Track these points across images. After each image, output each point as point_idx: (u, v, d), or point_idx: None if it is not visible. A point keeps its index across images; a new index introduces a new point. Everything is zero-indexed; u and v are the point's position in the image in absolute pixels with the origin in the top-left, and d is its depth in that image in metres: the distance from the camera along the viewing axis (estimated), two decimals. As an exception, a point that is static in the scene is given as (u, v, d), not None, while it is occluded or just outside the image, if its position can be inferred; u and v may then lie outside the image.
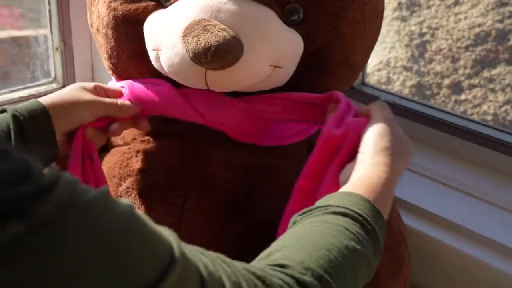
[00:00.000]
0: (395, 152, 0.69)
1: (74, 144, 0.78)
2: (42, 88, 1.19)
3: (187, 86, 0.81)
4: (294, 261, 0.53)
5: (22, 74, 1.22)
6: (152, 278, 0.41)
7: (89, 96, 0.79)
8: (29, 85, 1.19)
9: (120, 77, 0.88)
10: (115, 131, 0.81)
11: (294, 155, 0.88)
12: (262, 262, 0.54)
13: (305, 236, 0.56)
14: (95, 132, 0.80)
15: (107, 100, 0.80)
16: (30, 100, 0.76)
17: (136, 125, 0.84)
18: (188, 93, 0.81)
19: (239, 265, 0.50)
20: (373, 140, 0.68)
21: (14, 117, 0.71)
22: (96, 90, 0.82)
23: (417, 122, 1.12)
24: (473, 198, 1.01)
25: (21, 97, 1.14)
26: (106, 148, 0.91)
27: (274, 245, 0.57)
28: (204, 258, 0.47)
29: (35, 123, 0.73)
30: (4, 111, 0.73)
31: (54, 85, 1.21)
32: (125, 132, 0.89)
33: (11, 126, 0.71)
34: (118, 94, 0.84)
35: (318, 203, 0.62)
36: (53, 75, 1.22)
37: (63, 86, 1.21)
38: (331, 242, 0.55)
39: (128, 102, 0.82)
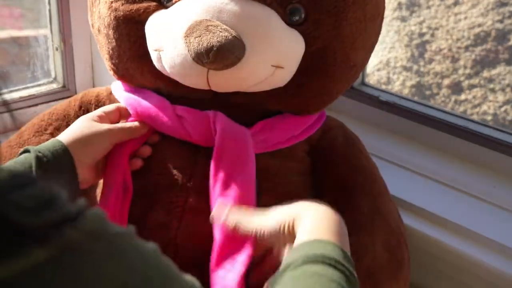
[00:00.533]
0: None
1: (111, 176, 0.80)
2: (42, 88, 1.19)
3: (188, 90, 0.82)
4: None
5: (22, 74, 1.22)
6: None
7: (104, 126, 0.81)
8: (29, 85, 1.19)
9: (121, 78, 0.88)
10: (138, 162, 0.84)
11: (294, 156, 0.88)
12: None
13: None
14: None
15: (119, 126, 0.83)
16: (51, 140, 0.77)
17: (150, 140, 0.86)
18: (184, 117, 0.83)
19: None
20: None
21: (38, 158, 0.73)
22: (101, 118, 0.84)
23: (417, 122, 1.12)
24: (473, 198, 1.01)
25: (21, 97, 1.14)
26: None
27: None
28: None
29: (58, 164, 0.74)
30: (27, 151, 0.74)
31: (54, 85, 1.21)
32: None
33: (34, 168, 0.72)
34: (118, 113, 0.86)
35: (285, 260, 0.61)
36: (53, 75, 1.22)
37: (63, 86, 1.21)
38: None
39: (136, 123, 0.84)
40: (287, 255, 0.63)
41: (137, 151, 0.84)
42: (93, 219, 0.38)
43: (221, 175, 0.78)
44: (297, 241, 0.63)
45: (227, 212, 0.72)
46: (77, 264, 0.36)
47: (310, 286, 0.56)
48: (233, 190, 0.77)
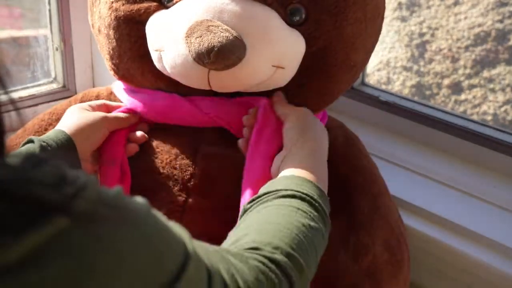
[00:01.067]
0: (314, 131, 0.78)
1: (110, 155, 0.82)
2: (42, 88, 1.19)
3: (188, 91, 0.82)
4: (263, 243, 0.58)
5: (22, 74, 1.22)
6: (174, 269, 0.45)
7: (99, 114, 0.83)
8: (29, 85, 1.19)
9: (121, 78, 0.88)
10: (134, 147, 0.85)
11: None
12: (233, 247, 0.59)
13: (266, 220, 0.62)
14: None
15: (113, 114, 0.85)
16: (53, 130, 0.79)
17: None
18: (193, 99, 0.84)
19: (223, 251, 0.55)
20: (293, 129, 0.77)
21: (42, 147, 0.74)
22: (92, 108, 0.86)
23: (417, 122, 1.12)
24: (473, 198, 1.01)
25: (21, 97, 1.14)
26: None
27: (238, 231, 0.62)
28: (204, 250, 0.52)
29: (62, 154, 0.75)
30: (31, 141, 0.76)
31: (54, 85, 1.21)
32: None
33: None
34: (105, 106, 0.88)
35: (264, 189, 0.69)
36: (53, 75, 1.22)
37: (63, 86, 1.21)
38: (290, 221, 0.62)
39: (126, 114, 0.86)
40: (268, 184, 0.70)
41: (130, 137, 0.85)
42: (93, 187, 0.42)
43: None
44: (285, 172, 0.71)
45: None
46: (95, 228, 0.40)
47: (289, 214, 0.63)
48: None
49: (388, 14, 2.95)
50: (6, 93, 0.42)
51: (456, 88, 2.70)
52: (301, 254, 0.60)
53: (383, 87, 2.71)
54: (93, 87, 1.23)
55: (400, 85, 2.78)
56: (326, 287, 0.80)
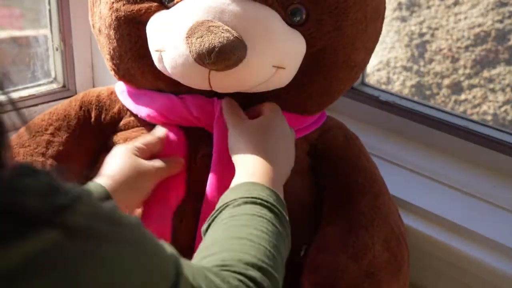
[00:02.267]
0: (264, 135, 0.76)
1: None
2: (42, 88, 1.19)
3: (189, 91, 0.82)
4: (233, 260, 0.58)
5: (22, 74, 1.22)
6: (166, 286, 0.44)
7: (149, 165, 0.79)
8: (29, 85, 1.19)
9: (122, 78, 0.88)
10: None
11: (295, 156, 0.88)
12: (203, 264, 0.58)
13: (229, 235, 0.61)
14: None
15: (165, 165, 0.80)
16: (94, 184, 0.74)
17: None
18: (184, 99, 0.84)
19: (205, 270, 0.55)
20: (238, 138, 0.76)
21: None
22: (142, 152, 0.81)
23: (417, 122, 1.12)
24: (473, 198, 1.01)
25: (21, 97, 1.14)
26: (108, 148, 0.91)
27: (204, 249, 0.61)
28: (189, 269, 0.52)
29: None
30: None
31: (54, 85, 1.21)
32: (127, 133, 0.89)
33: None
34: (159, 144, 0.83)
35: (220, 202, 0.68)
36: (53, 75, 1.22)
37: (63, 86, 1.21)
38: (251, 232, 0.61)
39: (175, 159, 0.82)
40: (227, 193, 0.69)
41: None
42: (88, 200, 0.41)
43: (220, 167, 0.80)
44: (237, 180, 0.70)
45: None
46: (87, 242, 0.39)
47: (248, 224, 0.62)
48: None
49: (388, 14, 2.95)
50: (5, 93, 0.41)
51: (456, 88, 2.70)
52: (269, 264, 0.60)
53: (383, 87, 2.71)
54: (93, 87, 1.23)
55: (400, 85, 2.78)
56: (325, 286, 0.80)
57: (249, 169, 0.71)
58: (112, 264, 0.40)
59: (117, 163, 0.78)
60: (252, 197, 0.65)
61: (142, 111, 0.86)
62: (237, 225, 0.62)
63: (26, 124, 0.94)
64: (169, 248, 0.49)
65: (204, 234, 0.66)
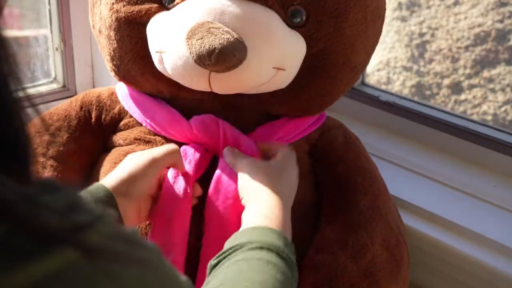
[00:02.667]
0: (279, 179, 0.77)
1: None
2: (42, 88, 1.19)
3: (189, 92, 0.82)
4: None
5: (22, 74, 1.22)
6: None
7: (149, 157, 0.78)
8: (29, 85, 1.19)
9: (122, 79, 0.88)
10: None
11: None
12: None
13: (240, 277, 0.62)
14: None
15: (162, 152, 0.79)
16: (96, 185, 0.74)
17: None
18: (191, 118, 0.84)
19: None
20: (250, 181, 0.76)
21: None
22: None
23: (417, 122, 1.12)
24: (473, 198, 1.01)
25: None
26: (108, 148, 0.91)
27: (213, 286, 0.61)
28: None
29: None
30: None
31: (54, 85, 1.21)
32: (126, 133, 0.89)
33: None
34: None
35: (230, 243, 0.68)
36: (53, 75, 1.22)
37: (63, 86, 1.21)
38: (264, 278, 0.62)
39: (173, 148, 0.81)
40: (235, 236, 0.69)
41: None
42: (110, 221, 0.40)
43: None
44: (251, 221, 0.71)
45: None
46: (106, 264, 0.37)
47: (261, 270, 0.62)
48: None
49: (388, 14, 2.95)
50: (23, 90, 0.40)
51: (456, 88, 2.70)
52: None
53: (383, 87, 2.71)
54: (93, 87, 1.23)
55: (400, 85, 2.78)
56: (325, 286, 0.80)
57: (263, 211, 0.72)
58: (131, 287, 0.38)
59: (120, 165, 0.79)
60: (267, 244, 0.66)
61: (146, 123, 0.87)
62: (250, 270, 0.63)
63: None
64: (186, 280, 0.49)
65: (211, 269, 0.66)
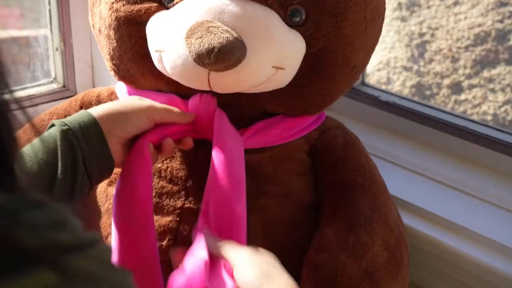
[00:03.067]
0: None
1: (138, 154, 0.76)
2: (42, 88, 1.19)
3: (188, 91, 0.82)
4: None
5: (22, 74, 1.22)
6: None
7: (146, 102, 0.77)
8: (29, 85, 1.19)
9: (122, 78, 0.88)
10: (169, 147, 0.78)
11: (294, 156, 0.88)
12: None
13: None
14: (152, 148, 0.77)
15: (160, 104, 0.79)
16: (80, 112, 0.73)
17: (183, 143, 0.81)
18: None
19: None
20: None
21: (62, 132, 0.69)
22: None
23: (417, 122, 1.12)
24: (473, 198, 1.01)
25: (21, 97, 1.14)
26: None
27: None
28: None
29: (86, 137, 0.71)
30: (52, 125, 0.71)
31: (54, 85, 1.21)
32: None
33: (58, 142, 0.69)
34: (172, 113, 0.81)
35: None
36: (53, 75, 1.22)
37: (63, 86, 1.21)
38: None
39: (179, 110, 0.80)
40: None
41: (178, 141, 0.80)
42: (104, 251, 0.38)
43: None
44: None
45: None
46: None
47: None
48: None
49: (388, 14, 2.95)
50: (10, 92, 0.38)
51: (456, 88, 2.70)
52: None
53: (383, 87, 2.71)
54: (93, 87, 1.23)
55: (400, 85, 2.78)
56: (325, 286, 0.80)
57: None
58: None
59: (113, 101, 0.78)
60: None
61: None
62: None
63: (26, 124, 0.94)
64: None
65: None
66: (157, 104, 0.79)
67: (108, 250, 0.39)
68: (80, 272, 0.35)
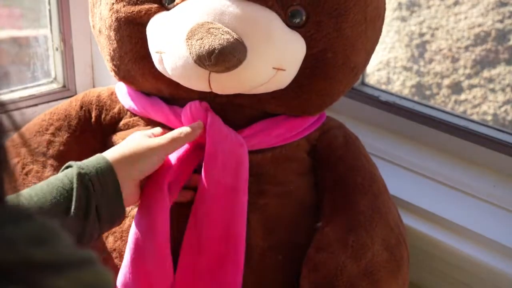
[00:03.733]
0: None
1: (157, 193, 0.77)
2: (42, 88, 1.19)
3: (189, 92, 0.82)
4: None
5: (22, 74, 1.22)
6: None
7: (155, 140, 0.77)
8: (29, 85, 1.19)
9: (122, 79, 0.88)
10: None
11: (294, 156, 0.88)
12: None
13: None
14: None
15: (168, 136, 0.78)
16: (95, 156, 0.74)
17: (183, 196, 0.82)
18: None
19: None
20: None
21: (80, 175, 0.70)
22: (154, 135, 0.81)
23: (417, 122, 1.12)
24: (473, 198, 1.02)
25: (21, 97, 1.14)
26: (108, 147, 0.91)
27: None
28: None
29: (101, 181, 0.71)
30: (69, 166, 0.72)
31: (54, 85, 1.21)
32: (126, 133, 0.89)
33: (75, 185, 0.69)
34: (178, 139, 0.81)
35: None
36: (53, 75, 1.22)
37: (63, 86, 1.21)
38: None
39: (187, 128, 0.80)
40: None
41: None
42: (96, 274, 0.34)
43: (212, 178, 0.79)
44: None
45: None
46: None
47: None
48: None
49: (388, 14, 2.95)
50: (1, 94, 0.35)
51: (456, 88, 2.70)
52: None
53: (383, 87, 2.71)
54: (93, 87, 1.23)
55: (400, 85, 2.78)
56: (324, 286, 0.80)
57: None
58: None
59: (121, 143, 0.78)
60: None
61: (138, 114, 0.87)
62: None
63: (26, 124, 0.94)
64: None
65: None
66: (165, 139, 0.78)
67: (102, 273, 0.35)
68: None
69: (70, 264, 0.32)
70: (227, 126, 0.82)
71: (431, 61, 2.81)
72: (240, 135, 0.83)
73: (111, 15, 0.82)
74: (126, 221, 0.82)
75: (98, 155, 0.75)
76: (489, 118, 2.61)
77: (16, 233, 0.32)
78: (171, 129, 0.82)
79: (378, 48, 0.90)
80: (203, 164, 0.79)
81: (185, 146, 0.82)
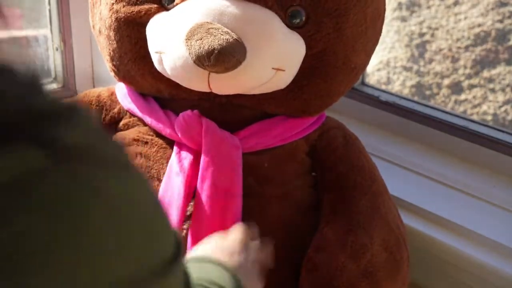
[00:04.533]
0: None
1: None
2: (42, 88, 1.19)
3: (188, 93, 0.82)
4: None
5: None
6: (169, 253, 0.34)
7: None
8: (29, 85, 1.19)
9: (122, 79, 0.88)
10: None
11: (294, 157, 0.88)
12: None
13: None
14: None
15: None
16: None
17: None
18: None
19: None
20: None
21: None
22: None
23: (417, 122, 1.12)
24: (473, 198, 1.02)
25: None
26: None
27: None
28: None
29: None
30: None
31: (54, 85, 1.21)
32: (126, 133, 0.89)
33: None
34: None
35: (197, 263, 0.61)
36: (53, 75, 1.22)
37: (63, 86, 1.21)
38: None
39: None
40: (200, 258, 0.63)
41: None
42: (91, 120, 0.29)
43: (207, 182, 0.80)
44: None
45: None
46: (88, 174, 0.26)
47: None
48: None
49: (388, 14, 2.95)
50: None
51: (456, 88, 2.70)
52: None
53: (383, 87, 2.71)
54: (93, 87, 1.23)
55: (400, 85, 2.78)
56: (324, 286, 0.80)
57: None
58: (117, 202, 0.28)
59: None
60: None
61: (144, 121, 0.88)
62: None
63: None
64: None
65: None
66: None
67: (96, 120, 0.30)
68: (77, 148, 0.26)
69: (69, 111, 0.28)
70: (222, 130, 0.82)
71: (431, 61, 2.81)
72: (238, 136, 0.83)
73: (111, 15, 0.82)
74: None
75: None
76: (489, 118, 2.61)
77: (13, 84, 0.27)
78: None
79: (378, 48, 0.90)
80: (200, 169, 0.80)
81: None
